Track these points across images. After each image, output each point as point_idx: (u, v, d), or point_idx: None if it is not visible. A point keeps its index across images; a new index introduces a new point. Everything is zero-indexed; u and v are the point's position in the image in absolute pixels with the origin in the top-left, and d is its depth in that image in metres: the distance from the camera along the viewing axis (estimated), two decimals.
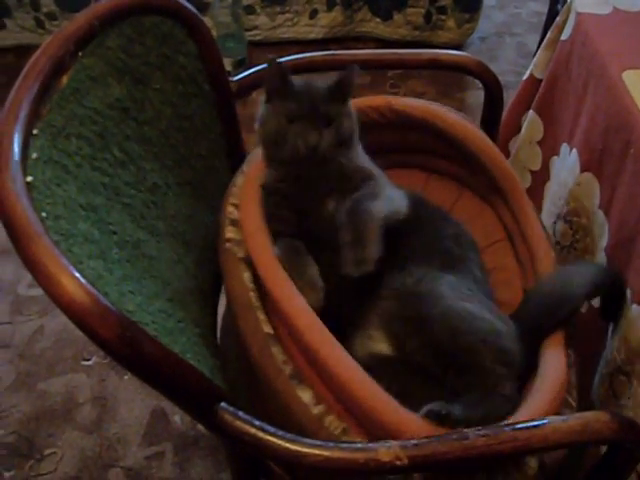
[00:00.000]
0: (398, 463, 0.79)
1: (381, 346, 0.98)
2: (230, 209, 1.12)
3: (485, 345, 0.93)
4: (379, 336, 0.99)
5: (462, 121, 1.23)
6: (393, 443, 0.80)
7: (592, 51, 1.17)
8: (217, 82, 1.17)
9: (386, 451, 0.79)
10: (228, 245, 1.06)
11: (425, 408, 0.86)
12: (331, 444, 0.81)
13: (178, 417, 1.62)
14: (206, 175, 1.17)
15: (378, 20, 2.58)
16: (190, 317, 0.96)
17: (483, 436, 0.80)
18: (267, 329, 0.95)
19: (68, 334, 1.77)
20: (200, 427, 1.59)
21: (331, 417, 0.89)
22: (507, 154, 1.46)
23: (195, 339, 0.93)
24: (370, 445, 0.81)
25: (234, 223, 1.09)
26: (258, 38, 2.61)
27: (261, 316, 0.96)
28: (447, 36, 2.57)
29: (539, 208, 1.39)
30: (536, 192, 1.39)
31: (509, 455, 0.81)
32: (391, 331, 0.98)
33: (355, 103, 1.24)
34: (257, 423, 0.82)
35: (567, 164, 1.27)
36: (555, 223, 1.32)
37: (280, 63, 1.03)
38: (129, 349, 0.73)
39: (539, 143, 1.38)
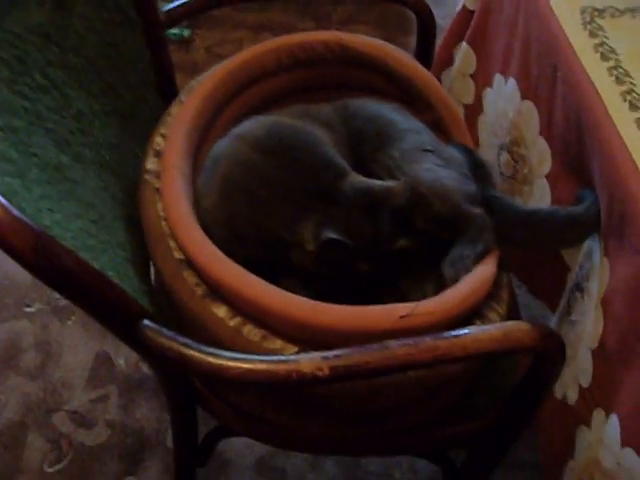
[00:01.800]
0: (320, 374, 0.80)
1: None
2: (158, 140, 1.11)
3: (462, 196, 1.04)
4: None
5: (412, 60, 1.24)
6: (315, 354, 0.81)
7: None
8: (144, 10, 1.14)
9: (307, 362, 0.80)
10: (147, 176, 1.05)
11: (446, 262, 0.98)
12: (253, 357, 0.81)
13: (122, 360, 1.62)
14: (136, 105, 1.15)
15: None
16: (116, 241, 0.95)
17: (404, 346, 0.82)
18: (178, 255, 0.96)
19: (9, 281, 1.74)
20: (145, 369, 1.59)
21: (249, 326, 0.90)
22: None
23: (120, 260, 0.92)
24: (292, 357, 0.82)
25: (158, 154, 1.08)
26: None
27: (172, 244, 0.97)
28: None
29: (475, 142, 1.39)
30: (469, 125, 1.39)
31: (430, 364, 0.82)
32: None
33: (303, 37, 1.24)
34: (181, 339, 0.82)
35: (504, 94, 1.27)
36: (499, 155, 1.33)
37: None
38: (45, 261, 0.73)
39: (472, 76, 1.38)
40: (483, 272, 0.98)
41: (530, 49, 1.16)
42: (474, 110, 1.40)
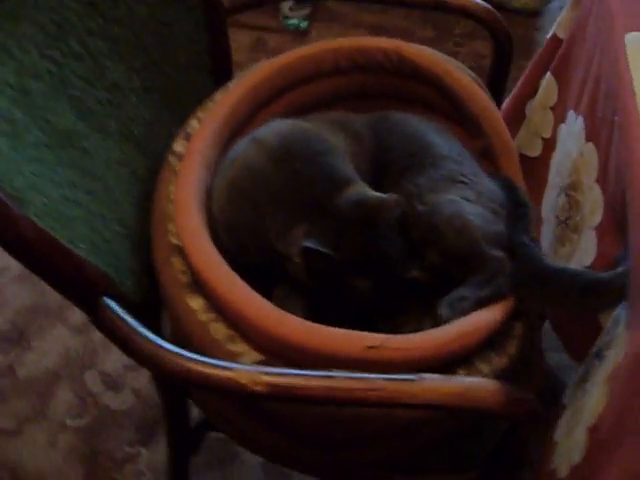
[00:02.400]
0: (257, 389, 0.76)
1: None
2: (193, 123, 1.11)
3: (483, 235, 0.97)
4: None
5: (470, 81, 1.17)
6: (257, 368, 0.78)
7: (605, 9, 1.06)
8: None
9: (245, 374, 0.77)
10: (171, 157, 1.05)
11: (444, 301, 0.92)
12: (194, 356, 0.79)
13: None
14: (183, 87, 1.16)
15: None
16: (115, 216, 0.96)
17: (349, 379, 0.76)
18: (174, 240, 0.94)
19: None
20: None
21: (217, 325, 0.88)
22: (522, 118, 1.36)
23: (109, 235, 0.92)
24: (233, 365, 0.78)
25: (188, 137, 1.08)
26: None
27: (171, 227, 0.96)
28: (521, 1, 2.38)
29: (544, 180, 1.29)
30: (544, 162, 1.30)
31: (374, 405, 0.76)
32: None
33: (362, 42, 1.20)
34: (132, 323, 0.82)
35: (573, 132, 1.17)
36: (558, 196, 1.23)
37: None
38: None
39: (552, 108, 1.27)
40: (480, 318, 0.91)
41: (599, 87, 1.06)
42: (550, 146, 1.30)
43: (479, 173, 1.08)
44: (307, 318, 0.93)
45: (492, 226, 0.99)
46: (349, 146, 1.04)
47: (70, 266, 0.80)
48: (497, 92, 1.27)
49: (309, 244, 0.89)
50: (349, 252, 0.91)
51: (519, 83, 1.37)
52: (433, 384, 0.77)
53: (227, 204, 1.01)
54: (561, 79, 1.25)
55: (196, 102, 1.15)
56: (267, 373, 0.77)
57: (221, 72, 1.23)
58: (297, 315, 0.95)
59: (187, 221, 0.96)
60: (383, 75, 1.20)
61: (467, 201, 1.00)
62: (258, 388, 0.76)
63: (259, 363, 0.85)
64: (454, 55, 2.23)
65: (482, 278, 0.95)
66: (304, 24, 2.31)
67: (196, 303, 0.90)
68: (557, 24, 1.28)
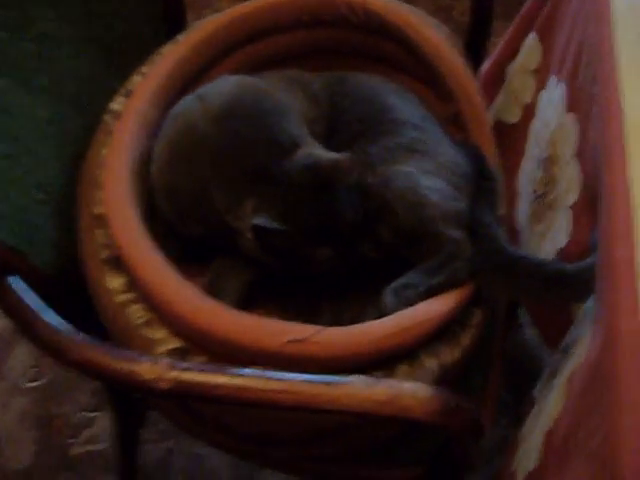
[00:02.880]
0: (161, 385, 0.69)
1: None
2: (136, 78, 1.02)
3: (440, 213, 0.89)
4: None
5: (441, 39, 1.06)
6: (163, 361, 0.70)
7: None
8: None
9: (149, 368, 0.69)
10: (106, 117, 0.96)
11: (389, 288, 0.84)
12: (97, 344, 0.71)
13: None
14: (126, 39, 1.06)
15: None
16: (35, 181, 0.87)
17: (263, 378, 0.69)
18: (97, 209, 0.86)
19: None
20: None
21: (136, 307, 0.81)
22: (502, 81, 1.25)
23: (23, 202, 0.84)
24: (137, 356, 0.71)
25: (128, 94, 0.98)
26: None
27: (98, 194, 0.87)
28: None
29: (522, 150, 1.19)
30: (522, 129, 1.19)
31: (288, 408, 0.69)
32: None
33: None
34: (35, 306, 0.74)
35: (553, 101, 1.06)
36: (537, 169, 1.13)
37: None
38: None
39: (534, 72, 1.16)
40: (429, 308, 0.83)
41: (582, 53, 0.95)
42: (529, 112, 1.19)
43: (443, 141, 0.98)
44: (247, 295, 0.89)
45: (451, 203, 0.91)
46: (304, 107, 0.95)
47: None
48: (476, 53, 1.16)
49: (259, 222, 0.81)
50: (304, 223, 0.83)
51: (501, 43, 1.25)
52: (356, 389, 0.68)
53: (166, 166, 0.92)
54: (545, 40, 1.13)
55: (143, 56, 1.06)
56: (173, 367, 0.69)
57: (174, 22, 1.13)
58: (234, 293, 0.89)
59: (114, 189, 0.88)
60: (348, 30, 1.10)
61: (425, 173, 0.91)
62: (161, 385, 0.68)
63: (178, 350, 0.78)
64: (449, 9, 2.13)
65: (436, 263, 0.86)
66: None
67: (115, 282, 0.82)
68: None
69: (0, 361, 1.50)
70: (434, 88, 1.07)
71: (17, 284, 0.76)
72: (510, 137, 1.24)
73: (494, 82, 1.29)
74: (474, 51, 1.15)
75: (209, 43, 1.06)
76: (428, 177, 0.91)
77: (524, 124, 1.21)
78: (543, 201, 1.08)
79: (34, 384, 1.48)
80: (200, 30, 1.06)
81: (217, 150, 0.87)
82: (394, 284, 0.84)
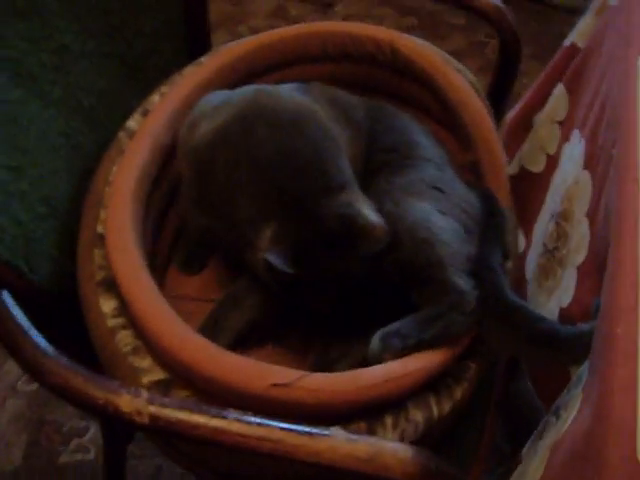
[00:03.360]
0: (137, 419, 0.67)
1: None
2: (155, 98, 1.01)
3: (448, 253, 0.86)
4: None
5: (465, 85, 1.04)
6: (143, 394, 0.69)
7: (624, 21, 0.92)
8: None
9: (129, 400, 0.68)
10: (121, 134, 0.96)
11: (379, 332, 0.81)
12: (79, 369, 0.70)
13: None
14: (147, 56, 1.06)
15: None
16: (40, 195, 0.87)
17: (242, 423, 0.67)
18: (100, 229, 0.85)
19: None
20: None
21: (125, 332, 0.80)
22: (529, 128, 1.23)
23: (25, 216, 0.83)
24: (117, 387, 0.69)
25: (145, 113, 0.98)
26: None
27: (102, 214, 0.86)
28: None
29: (542, 200, 1.17)
30: (545, 180, 1.17)
31: (267, 455, 0.67)
32: None
33: (354, 28, 1.10)
34: (21, 323, 0.73)
35: (573, 156, 1.05)
36: (549, 222, 1.11)
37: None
38: None
39: (560, 123, 1.14)
40: (418, 360, 0.80)
41: (604, 112, 0.93)
42: (553, 163, 1.17)
43: (458, 183, 0.97)
44: (262, 316, 0.89)
45: (462, 245, 0.88)
46: (348, 131, 0.94)
47: None
48: (503, 92, 1.15)
49: (271, 258, 0.79)
50: (314, 272, 0.82)
51: (530, 90, 1.23)
52: (338, 444, 0.66)
53: (207, 148, 0.89)
54: (573, 93, 1.12)
55: (163, 74, 1.05)
56: (151, 402, 0.68)
57: (197, 42, 1.13)
58: (232, 330, 0.88)
59: (117, 210, 0.87)
60: (374, 67, 1.09)
61: (441, 211, 0.90)
62: (139, 419, 0.67)
63: (163, 382, 0.77)
64: (482, 47, 2.12)
65: (434, 312, 0.84)
66: None
67: (108, 305, 0.81)
68: (576, 31, 1.14)
69: None
70: (455, 134, 1.05)
71: (6, 299, 0.75)
72: (533, 186, 1.23)
73: (521, 129, 1.27)
74: (501, 90, 1.13)
75: (233, 68, 1.05)
76: (443, 216, 0.89)
77: (547, 174, 1.19)
78: (553, 256, 1.06)
79: (30, 387, 1.48)
80: (225, 54, 1.06)
81: (265, 157, 0.85)
82: (386, 329, 0.82)
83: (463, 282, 0.86)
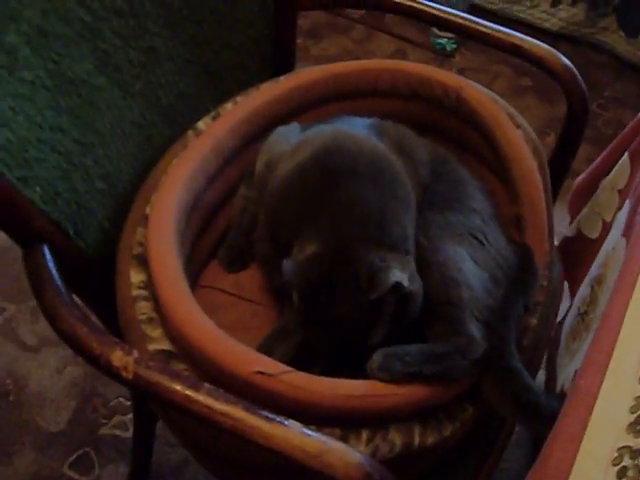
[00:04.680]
0: (123, 374, 0.74)
1: None
2: (229, 105, 1.10)
3: (471, 297, 0.88)
4: None
5: (521, 142, 1.06)
6: (134, 354, 0.76)
7: None
8: None
9: (120, 356, 0.75)
10: (190, 132, 1.05)
11: (382, 350, 0.82)
12: (87, 321, 0.78)
13: None
14: (231, 69, 1.15)
15: (622, 34, 2.25)
16: (101, 171, 0.96)
17: (212, 397, 0.72)
18: (147, 210, 0.94)
19: None
20: None
21: (145, 304, 0.87)
22: (593, 193, 1.22)
23: (83, 187, 0.92)
24: (114, 343, 0.77)
25: (215, 117, 1.07)
26: (491, 7, 2.39)
27: (153, 198, 0.95)
28: None
29: (590, 267, 1.15)
30: (598, 246, 1.15)
31: (228, 431, 0.72)
32: None
33: (429, 72, 1.14)
34: (53, 277, 0.82)
35: (619, 223, 1.04)
36: (587, 286, 1.10)
37: None
38: None
39: (620, 192, 1.13)
40: (404, 386, 0.82)
41: None
42: (607, 230, 1.17)
43: (499, 236, 0.99)
44: (295, 357, 0.89)
45: (486, 295, 0.90)
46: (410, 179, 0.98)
47: (6, 202, 0.81)
48: (562, 160, 1.15)
49: (285, 264, 0.84)
50: (323, 309, 0.85)
51: (601, 156, 1.23)
52: (291, 434, 0.70)
53: (281, 193, 0.96)
54: (635, 163, 1.11)
55: (243, 87, 1.14)
56: (139, 361, 0.74)
57: (282, 63, 1.21)
58: (284, 352, 0.91)
59: (166, 195, 0.95)
60: (440, 111, 1.13)
61: (472, 259, 0.92)
62: (124, 374, 0.74)
63: (166, 353, 0.84)
64: (595, 117, 2.08)
65: (440, 350, 0.85)
66: (451, 46, 2.23)
67: (137, 277, 0.89)
68: None
69: None
70: (506, 187, 1.07)
71: (45, 251, 0.84)
72: (587, 251, 1.22)
73: (587, 193, 1.27)
74: (560, 157, 1.14)
75: (306, 90, 1.12)
76: (474, 263, 0.91)
77: (601, 241, 1.18)
78: (583, 320, 1.05)
79: None
80: (302, 76, 1.13)
81: (337, 203, 0.89)
82: (390, 350, 0.83)
83: (476, 329, 0.87)
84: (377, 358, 0.83)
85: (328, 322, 0.85)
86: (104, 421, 1.52)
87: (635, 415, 0.66)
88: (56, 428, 1.50)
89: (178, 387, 0.73)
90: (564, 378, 1.04)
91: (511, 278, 0.94)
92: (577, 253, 1.22)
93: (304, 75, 1.14)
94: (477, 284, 0.90)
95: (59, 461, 1.45)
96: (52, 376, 1.57)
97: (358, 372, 0.83)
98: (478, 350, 0.85)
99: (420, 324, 0.89)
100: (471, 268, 0.91)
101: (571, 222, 1.29)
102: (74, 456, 1.46)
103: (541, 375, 1.23)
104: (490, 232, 0.98)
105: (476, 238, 0.95)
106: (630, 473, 0.62)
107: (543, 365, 1.21)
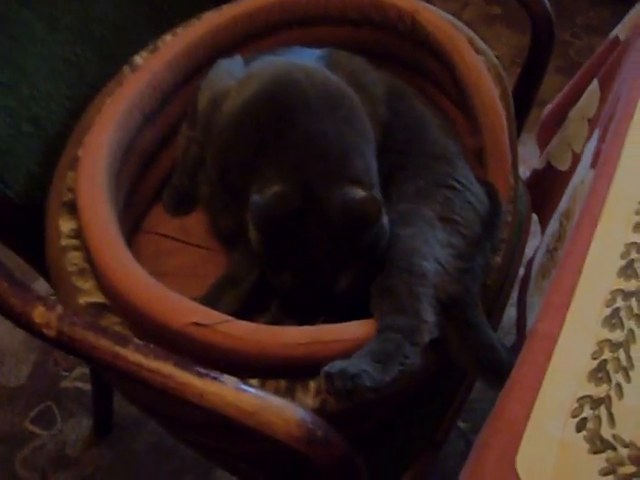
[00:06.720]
0: (45, 331, 0.69)
1: None
2: (167, 37, 1.02)
3: (436, 274, 0.81)
4: None
5: (482, 67, 0.99)
6: (57, 309, 0.70)
7: None
8: None
9: (42, 312, 0.70)
10: (126, 69, 0.98)
11: (325, 369, 0.71)
12: (6, 277, 0.72)
13: None
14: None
15: None
16: (27, 113, 0.90)
17: (140, 353, 0.67)
18: (80, 153, 0.87)
19: None
20: None
21: (76, 254, 0.81)
22: (562, 123, 1.16)
23: (6, 131, 0.86)
24: (35, 299, 0.71)
25: (154, 50, 0.99)
26: None
27: (85, 140, 0.88)
28: None
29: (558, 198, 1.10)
30: (566, 179, 1.09)
31: (158, 390, 0.66)
32: None
33: None
34: None
35: (587, 155, 0.98)
36: (556, 221, 1.05)
37: None
38: None
39: (590, 121, 1.07)
40: (352, 330, 0.77)
41: (614, 115, 0.86)
42: (576, 162, 1.11)
43: (470, 177, 0.93)
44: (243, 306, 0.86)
45: (456, 267, 0.83)
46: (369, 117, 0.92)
47: None
48: (527, 89, 1.08)
49: (255, 198, 0.79)
50: (297, 247, 0.80)
51: (569, 84, 1.16)
52: (225, 391, 0.65)
53: (229, 132, 0.91)
54: (604, 89, 1.04)
55: (187, 17, 1.06)
56: (62, 318, 0.69)
57: None
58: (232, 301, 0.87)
59: (96, 137, 0.88)
60: (394, 36, 1.06)
61: (443, 221, 0.85)
62: (46, 331, 0.68)
63: (98, 305, 0.78)
64: (567, 46, 2.01)
65: (390, 347, 0.75)
66: None
67: (67, 225, 0.83)
68: (622, 23, 1.06)
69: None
70: (466, 115, 1.01)
71: None
72: (556, 184, 1.17)
73: (555, 123, 1.21)
74: (524, 87, 1.08)
75: (250, 18, 1.05)
76: (444, 227, 0.85)
77: (570, 174, 1.12)
78: (552, 257, 1.00)
79: None
80: (245, 4, 1.05)
81: (292, 139, 0.85)
82: (336, 366, 0.71)
83: (430, 311, 0.78)
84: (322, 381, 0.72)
85: (296, 263, 0.81)
86: (65, 374, 1.47)
87: (597, 361, 0.61)
88: (16, 383, 1.45)
89: (104, 343, 0.67)
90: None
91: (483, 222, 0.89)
92: (547, 186, 1.16)
93: (248, 2, 1.06)
94: (446, 259, 0.83)
95: (20, 416, 1.41)
96: (10, 331, 1.51)
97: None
98: (426, 337, 0.77)
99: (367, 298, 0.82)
100: (441, 239, 0.84)
101: (540, 155, 1.22)
102: (35, 410, 1.42)
103: (512, 312, 1.19)
104: (460, 173, 0.92)
105: (448, 186, 0.89)
106: (590, 425, 0.57)
107: (515, 302, 1.17)
